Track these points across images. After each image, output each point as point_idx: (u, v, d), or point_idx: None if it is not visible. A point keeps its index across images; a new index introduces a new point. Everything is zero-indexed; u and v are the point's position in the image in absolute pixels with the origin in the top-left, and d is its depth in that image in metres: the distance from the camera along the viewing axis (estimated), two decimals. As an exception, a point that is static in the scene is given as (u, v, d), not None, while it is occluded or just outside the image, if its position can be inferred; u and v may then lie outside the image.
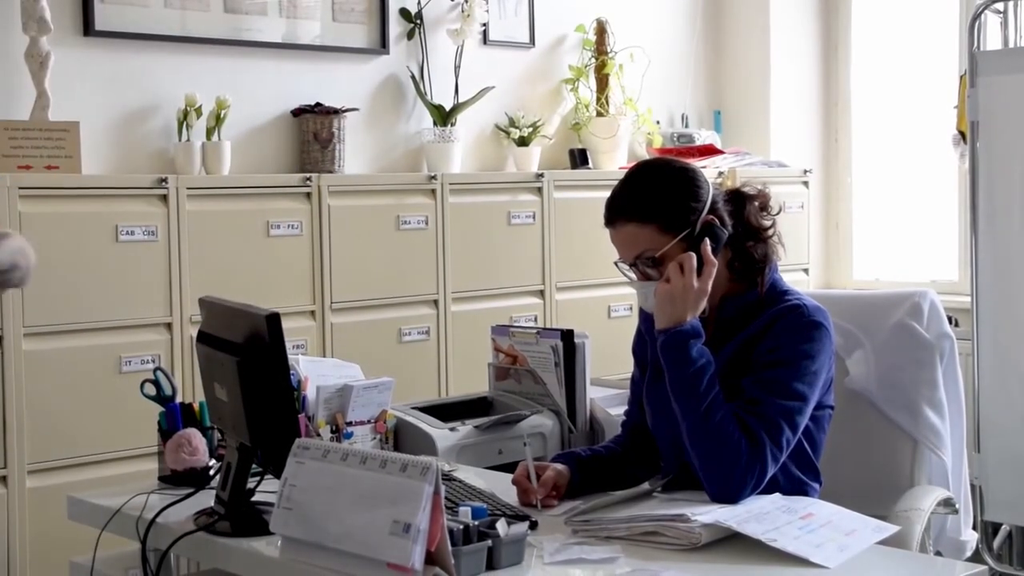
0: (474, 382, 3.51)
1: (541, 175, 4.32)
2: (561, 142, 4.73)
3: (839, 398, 2.44)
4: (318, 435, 2.64)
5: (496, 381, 3.08)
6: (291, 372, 2.39)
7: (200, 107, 3.72)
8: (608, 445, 2.49)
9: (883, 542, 2.04)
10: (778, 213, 2.39)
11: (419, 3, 4.30)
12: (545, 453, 2.81)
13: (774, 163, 5.06)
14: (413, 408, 2.91)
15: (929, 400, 2.67)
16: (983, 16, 4.21)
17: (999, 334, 4.01)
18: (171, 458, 2.48)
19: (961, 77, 4.27)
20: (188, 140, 3.70)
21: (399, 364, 3.68)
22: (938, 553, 2.60)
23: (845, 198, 5.42)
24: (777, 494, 2.18)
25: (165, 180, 3.43)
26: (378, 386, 2.75)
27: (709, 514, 2.03)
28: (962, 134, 4.27)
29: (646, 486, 2.34)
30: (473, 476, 2.48)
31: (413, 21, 4.30)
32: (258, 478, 2.26)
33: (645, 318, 2.40)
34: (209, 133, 3.75)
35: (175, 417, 2.54)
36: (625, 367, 2.58)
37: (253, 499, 2.21)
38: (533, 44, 4.70)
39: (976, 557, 3.09)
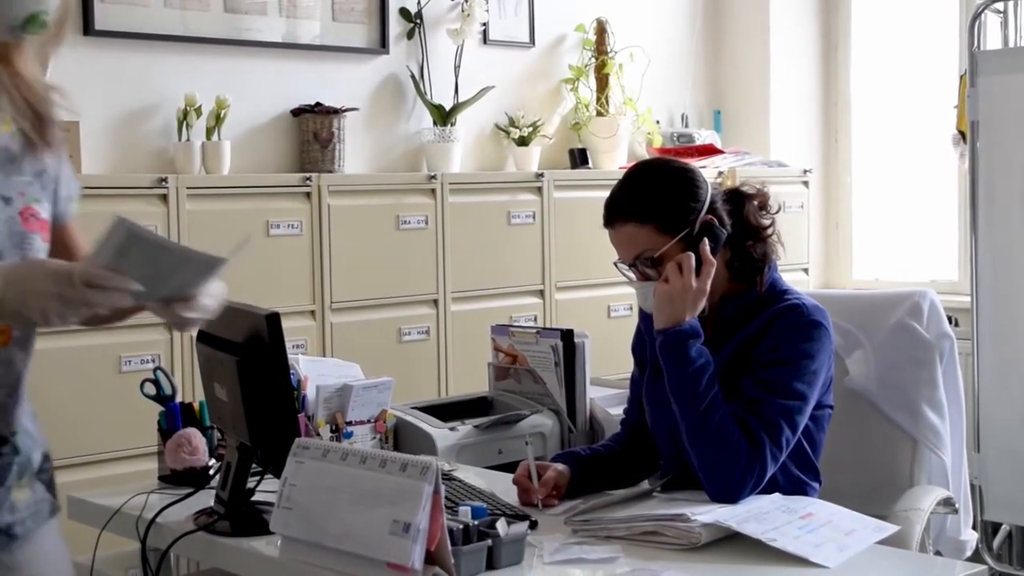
0: (474, 382, 3.51)
1: (541, 175, 4.33)
2: (561, 142, 4.73)
3: (839, 398, 2.44)
4: (318, 435, 2.64)
5: (496, 381, 3.09)
6: (291, 372, 2.39)
7: (200, 107, 3.72)
8: (608, 444, 2.49)
9: (883, 542, 2.04)
10: (777, 212, 2.39)
11: (419, 3, 4.30)
12: (545, 453, 2.81)
13: (774, 163, 5.06)
14: (413, 408, 2.91)
15: (929, 400, 2.67)
16: (983, 16, 4.21)
17: (999, 334, 4.01)
18: (171, 458, 2.48)
19: (961, 77, 4.27)
20: (188, 140, 3.70)
21: (399, 364, 3.68)
22: (938, 553, 2.61)
23: (845, 198, 5.42)
24: (777, 494, 2.18)
25: (165, 180, 3.44)
26: (378, 386, 2.75)
27: (709, 514, 2.03)
28: (962, 134, 4.27)
29: (646, 486, 2.35)
30: (473, 476, 2.48)
31: (413, 21, 4.30)
32: (258, 478, 2.26)
33: (644, 318, 2.40)
34: (209, 133, 3.75)
35: (175, 417, 2.54)
36: (625, 367, 2.58)
37: (253, 499, 2.21)
38: (533, 44, 4.70)
39: (976, 557, 3.09)
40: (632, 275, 2.30)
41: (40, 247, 1.71)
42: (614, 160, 4.70)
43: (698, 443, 2.17)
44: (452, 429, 2.82)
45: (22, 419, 1.73)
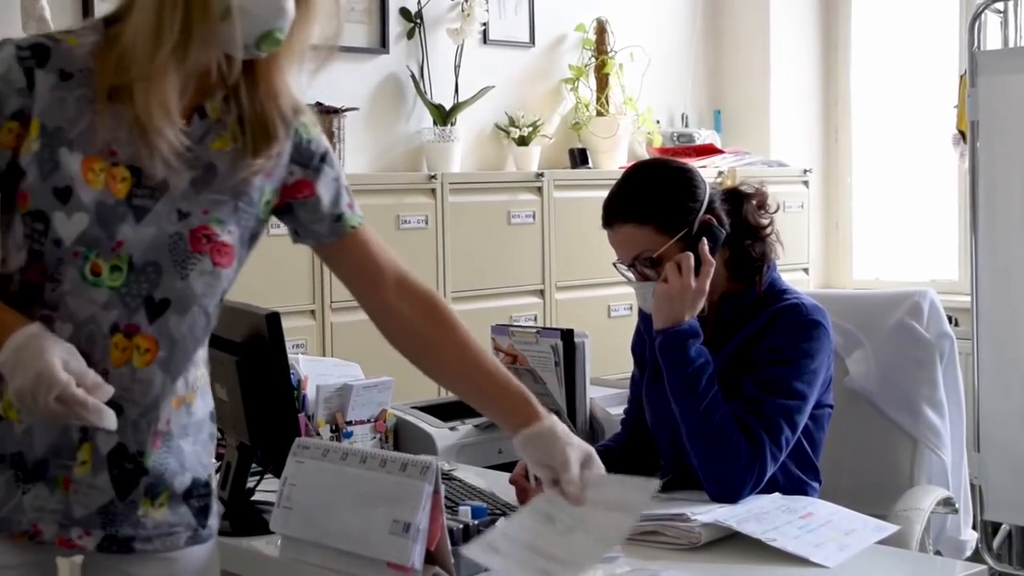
0: (474, 381, 3.51)
1: (541, 175, 4.32)
2: (561, 142, 4.73)
3: (839, 398, 2.44)
4: (318, 434, 2.64)
5: (496, 380, 3.08)
6: (291, 371, 2.39)
7: (200, 106, 3.72)
8: (608, 444, 2.49)
9: (883, 541, 2.04)
10: (776, 211, 2.39)
11: (419, 2, 4.30)
12: (545, 452, 2.81)
13: (774, 163, 5.07)
14: (413, 407, 2.91)
15: (929, 400, 2.67)
16: (983, 16, 4.21)
17: (999, 334, 4.01)
18: (171, 457, 2.48)
19: (961, 77, 4.27)
20: (188, 139, 3.70)
21: (399, 363, 3.64)
22: (938, 553, 2.60)
23: (845, 198, 5.42)
24: (777, 493, 2.18)
25: (165, 179, 3.43)
26: (378, 385, 2.75)
27: (709, 513, 2.03)
28: (962, 134, 4.26)
29: (646, 485, 2.34)
30: (473, 475, 2.48)
31: (413, 20, 4.30)
32: (258, 477, 2.26)
33: (644, 318, 2.40)
34: (209, 132, 3.75)
35: (175, 416, 2.54)
36: (625, 367, 2.58)
37: (253, 498, 2.22)
38: (533, 44, 4.70)
39: (976, 557, 3.09)
40: (631, 275, 2.30)
41: (208, 269, 1.65)
42: (614, 160, 4.70)
43: (698, 443, 2.17)
44: (452, 429, 2.82)
45: (160, 441, 1.67)
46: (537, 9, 4.68)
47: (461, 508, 1.93)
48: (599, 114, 4.74)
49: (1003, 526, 4.15)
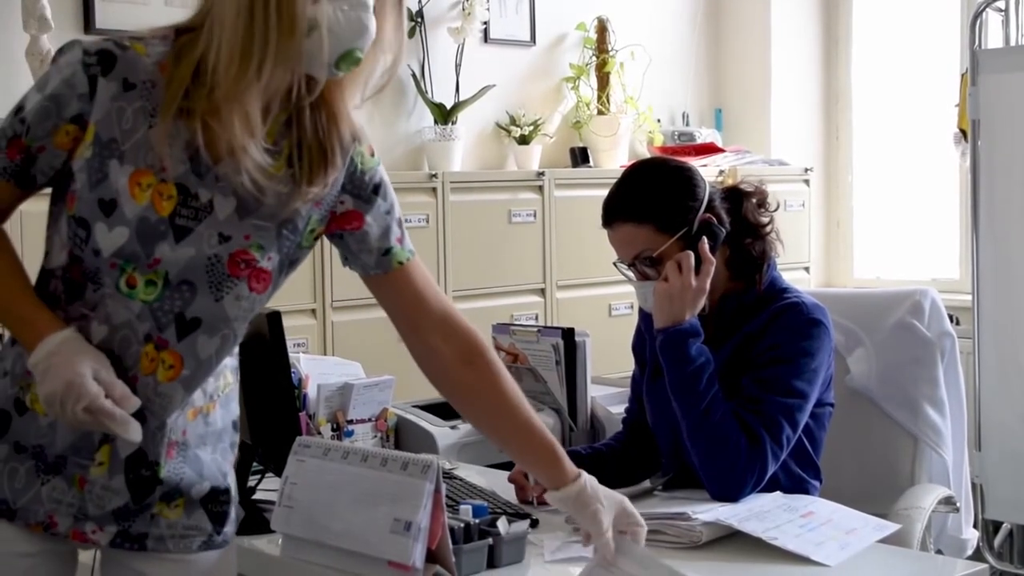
0: (475, 380, 3.51)
1: (542, 173, 4.32)
2: (562, 140, 4.73)
3: (840, 396, 2.44)
4: (319, 433, 2.64)
5: (497, 379, 3.08)
6: (292, 370, 2.39)
7: (201, 105, 3.72)
8: (609, 443, 2.49)
9: (884, 540, 2.04)
10: (776, 210, 2.39)
11: (420, 1, 4.30)
12: (546, 451, 2.81)
13: (775, 161, 5.06)
14: (414, 406, 2.91)
15: (930, 398, 2.67)
16: (984, 14, 4.21)
17: (1000, 332, 4.00)
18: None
19: (962, 75, 4.27)
20: (189, 138, 3.70)
21: (400, 362, 3.63)
22: (939, 551, 2.60)
23: (846, 196, 5.42)
24: (778, 492, 2.18)
25: (166, 178, 3.43)
26: (379, 384, 2.75)
27: (710, 512, 2.03)
28: (963, 132, 4.26)
29: (647, 484, 2.35)
30: (474, 474, 2.48)
31: (414, 19, 4.30)
32: (259, 476, 2.26)
33: (645, 317, 2.40)
34: (210, 131, 3.74)
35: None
36: (626, 365, 2.58)
37: (254, 497, 2.22)
38: (534, 42, 4.69)
39: (977, 555, 3.09)
40: (631, 275, 2.30)
41: (244, 294, 1.64)
42: (615, 159, 4.70)
43: (699, 442, 2.17)
44: (453, 427, 2.82)
45: (176, 451, 1.67)
46: (538, 8, 4.68)
47: (462, 507, 1.93)
48: (600, 113, 4.74)
49: (1004, 525, 4.15)
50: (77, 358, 1.53)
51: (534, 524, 2.09)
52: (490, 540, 1.88)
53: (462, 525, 1.87)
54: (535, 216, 4.26)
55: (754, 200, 2.36)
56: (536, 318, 4.22)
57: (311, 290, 3.70)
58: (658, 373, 2.29)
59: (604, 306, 4.41)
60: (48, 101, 1.57)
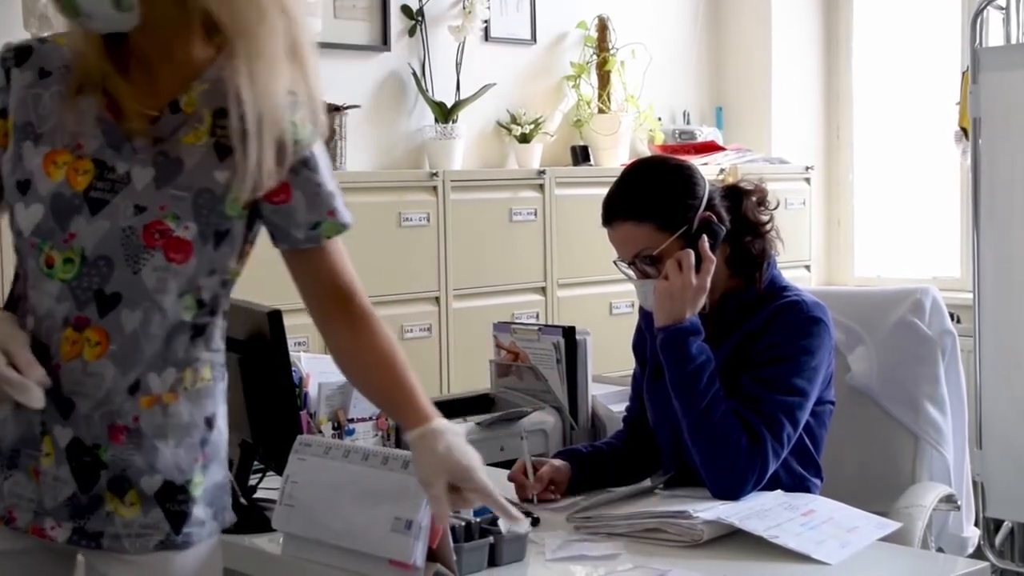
0: (475, 379, 3.51)
1: (543, 172, 4.32)
2: (563, 139, 4.73)
3: (841, 395, 2.44)
4: (320, 432, 2.64)
5: (497, 378, 3.08)
6: (293, 369, 2.39)
7: (201, 104, 3.72)
8: (610, 442, 2.49)
9: (885, 538, 2.04)
10: (775, 208, 2.39)
11: (420, 0, 4.30)
12: (547, 450, 2.81)
13: (776, 160, 5.06)
14: (415, 405, 2.90)
15: (931, 397, 2.67)
16: (985, 12, 4.20)
17: (1001, 331, 4.00)
18: (173, 455, 2.48)
19: (963, 73, 4.27)
20: (189, 137, 3.70)
21: (401, 361, 3.67)
22: (940, 549, 2.60)
23: (847, 195, 5.42)
24: (779, 491, 2.18)
25: (167, 177, 3.43)
26: (380, 383, 2.74)
27: (711, 511, 2.03)
28: (964, 130, 4.26)
29: (648, 483, 2.35)
30: (475, 473, 2.47)
31: (415, 18, 4.30)
32: (260, 475, 2.26)
33: (645, 315, 2.40)
34: (210, 130, 3.74)
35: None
36: (627, 364, 2.58)
37: (255, 496, 2.22)
38: (534, 41, 4.69)
39: (978, 553, 3.09)
40: (632, 273, 2.30)
41: (162, 264, 1.62)
42: (616, 157, 4.70)
43: (699, 440, 2.17)
44: (454, 426, 2.81)
45: (125, 437, 1.65)
46: (538, 6, 4.68)
47: (463, 505, 1.93)
48: (601, 111, 4.74)
49: (1005, 523, 4.15)
50: None
51: (535, 523, 2.09)
52: (491, 539, 1.88)
53: (463, 524, 1.87)
54: (536, 215, 4.26)
55: (754, 198, 2.36)
56: (537, 317, 4.22)
57: (312, 289, 3.69)
58: (659, 372, 2.29)
59: (605, 305, 4.41)
60: None
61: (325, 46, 4.09)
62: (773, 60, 5.25)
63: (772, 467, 2.17)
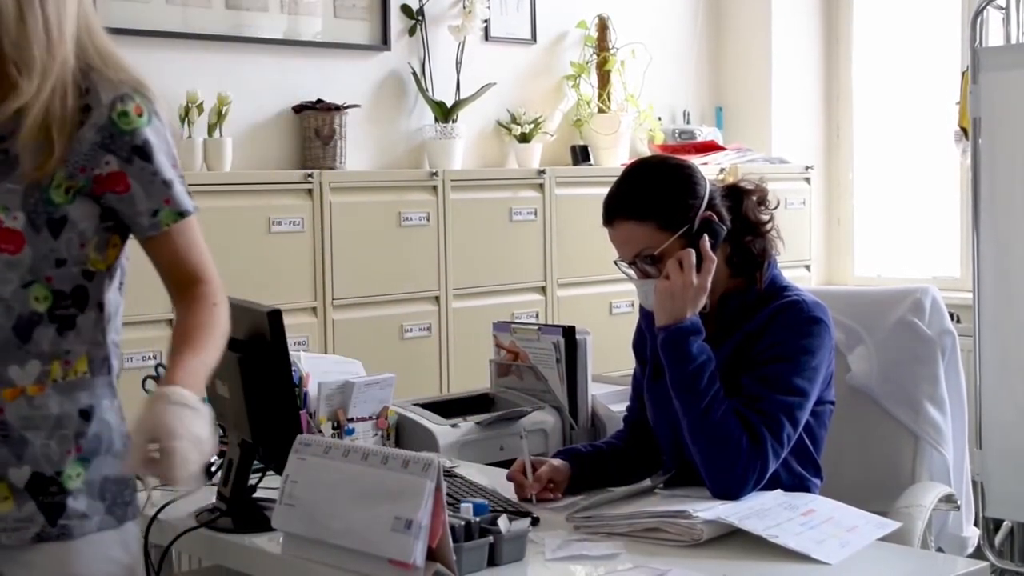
0: (475, 378, 3.51)
1: (543, 172, 4.32)
2: (563, 138, 4.73)
3: (841, 395, 2.44)
4: (319, 432, 2.64)
5: (497, 377, 3.08)
6: (292, 368, 2.39)
7: (201, 103, 3.72)
8: (610, 441, 2.49)
9: (884, 538, 2.04)
10: (776, 207, 2.39)
11: (420, 0, 4.30)
12: (546, 449, 2.81)
13: (776, 159, 5.06)
14: (414, 404, 2.91)
15: (931, 396, 2.67)
16: (985, 12, 4.20)
17: (1001, 330, 4.00)
18: (173, 454, 2.47)
19: (963, 73, 4.27)
20: (190, 137, 3.70)
21: (400, 361, 3.67)
22: (939, 549, 2.60)
23: (847, 194, 5.42)
24: (778, 490, 2.18)
25: (167, 177, 3.43)
26: (379, 382, 2.75)
27: (711, 510, 2.03)
28: (964, 130, 4.26)
29: (648, 482, 2.35)
30: (475, 472, 2.48)
31: (415, 17, 4.30)
32: (260, 474, 2.26)
33: (646, 315, 2.40)
34: (210, 130, 3.75)
35: (177, 414, 2.53)
36: (627, 364, 2.58)
37: (255, 495, 2.22)
38: (534, 40, 4.69)
39: (978, 553, 3.09)
40: (632, 273, 2.30)
41: None
42: (616, 157, 4.70)
43: (699, 440, 2.17)
44: (454, 426, 2.82)
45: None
46: (538, 6, 4.68)
47: (463, 505, 1.93)
48: (601, 111, 4.74)
49: (1005, 523, 4.15)
50: None
51: (535, 522, 2.09)
52: (491, 538, 1.88)
53: (463, 523, 1.87)
54: (536, 214, 4.27)
55: (754, 198, 2.36)
56: (537, 316, 4.23)
57: (312, 288, 3.70)
58: (659, 371, 2.29)
59: (605, 304, 4.41)
60: None
61: (325, 46, 4.10)
62: (773, 60, 5.25)
63: (772, 467, 2.17)
